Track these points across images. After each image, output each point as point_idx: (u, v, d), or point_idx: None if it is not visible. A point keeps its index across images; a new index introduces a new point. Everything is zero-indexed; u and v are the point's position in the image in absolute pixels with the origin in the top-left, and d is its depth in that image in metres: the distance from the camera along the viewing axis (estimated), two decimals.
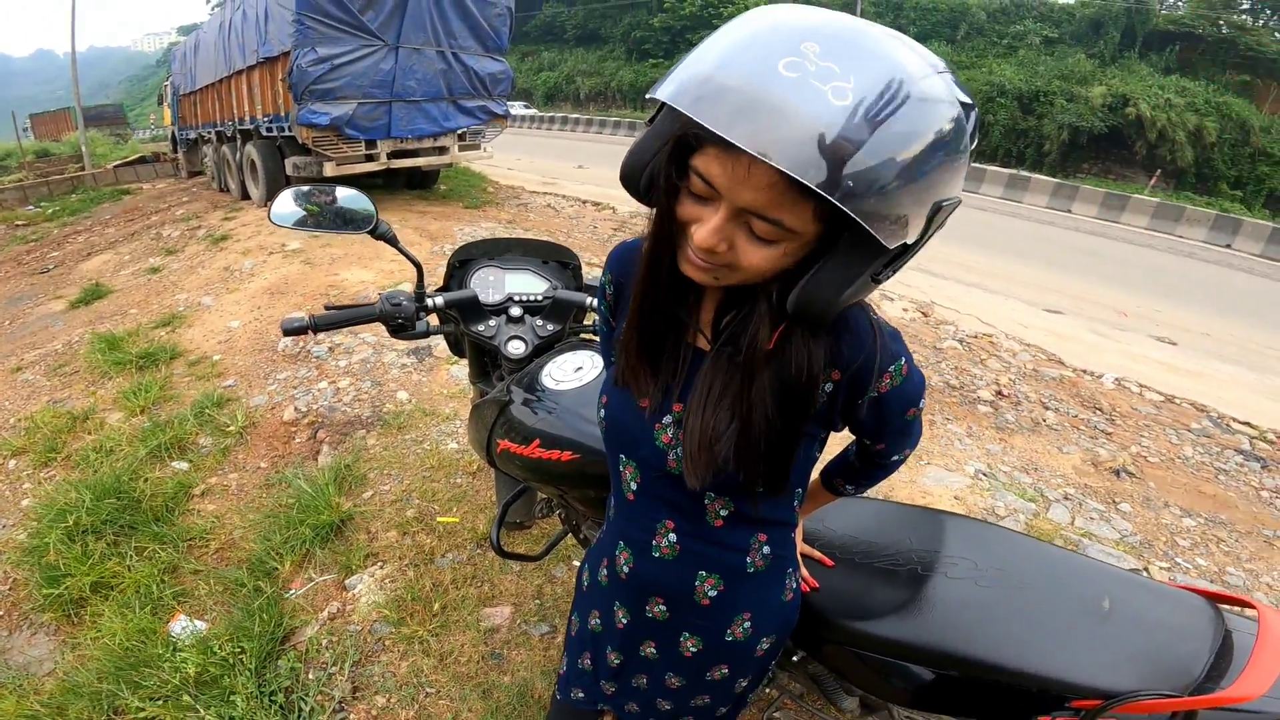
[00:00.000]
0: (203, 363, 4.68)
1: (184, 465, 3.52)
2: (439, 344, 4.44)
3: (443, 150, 9.76)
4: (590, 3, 40.91)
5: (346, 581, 2.69)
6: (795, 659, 1.39)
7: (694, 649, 1.07)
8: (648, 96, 0.72)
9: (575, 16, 41.49)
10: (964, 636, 1.13)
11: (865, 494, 1.24)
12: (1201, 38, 26.88)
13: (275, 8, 8.18)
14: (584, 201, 11.30)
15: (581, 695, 1.26)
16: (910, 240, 0.69)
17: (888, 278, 0.75)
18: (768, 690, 2.19)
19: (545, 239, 2.05)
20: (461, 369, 4.16)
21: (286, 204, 1.70)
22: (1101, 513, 3.30)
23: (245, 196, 10.60)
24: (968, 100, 0.68)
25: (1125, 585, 1.17)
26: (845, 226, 0.68)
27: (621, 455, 1.03)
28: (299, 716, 2.16)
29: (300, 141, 8.45)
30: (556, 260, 2.03)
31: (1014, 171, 18.80)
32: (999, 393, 4.49)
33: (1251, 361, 6.29)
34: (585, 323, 1.94)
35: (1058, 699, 1.05)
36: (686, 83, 0.66)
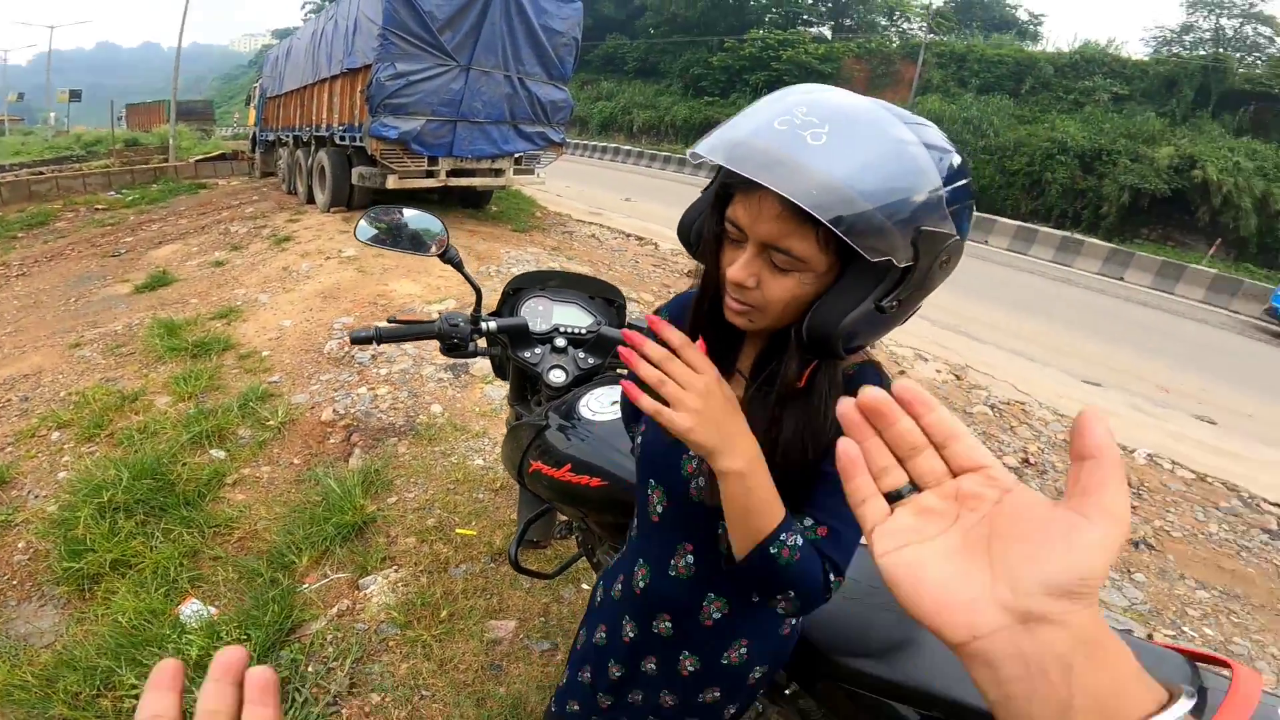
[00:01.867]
0: (252, 357, 4.81)
1: (221, 454, 3.60)
2: (476, 363, 4.50)
3: (499, 173, 9.91)
4: (652, 37, 41.54)
5: (360, 581, 2.72)
6: (787, 692, 1.40)
7: (691, 668, 1.12)
8: (689, 153, 0.83)
9: (636, 50, 42.01)
10: (952, 682, 1.14)
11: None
12: (1278, 99, 25.06)
13: (364, 21, 8.45)
14: (628, 235, 11.34)
15: (577, 709, 1.29)
16: (898, 262, 0.74)
17: (894, 310, 0.80)
18: None
19: (594, 276, 2.11)
20: (496, 389, 4.21)
21: (368, 222, 1.83)
22: (1115, 581, 3.27)
23: (310, 201, 10.87)
24: (943, 146, 0.77)
25: None
26: (852, 259, 0.76)
27: (651, 480, 1.09)
28: (292, 707, 2.18)
29: (369, 153, 8.65)
30: (603, 297, 2.06)
31: (1066, 234, 18.00)
32: (1025, 460, 4.42)
33: None
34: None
35: None
36: (715, 141, 0.78)
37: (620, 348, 0.81)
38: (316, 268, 6.73)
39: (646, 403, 0.78)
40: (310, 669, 2.33)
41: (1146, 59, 29.16)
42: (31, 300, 7.00)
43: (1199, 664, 1.09)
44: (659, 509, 1.09)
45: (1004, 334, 8.37)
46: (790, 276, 0.81)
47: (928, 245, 0.75)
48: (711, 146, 0.77)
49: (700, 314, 0.94)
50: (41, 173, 15.85)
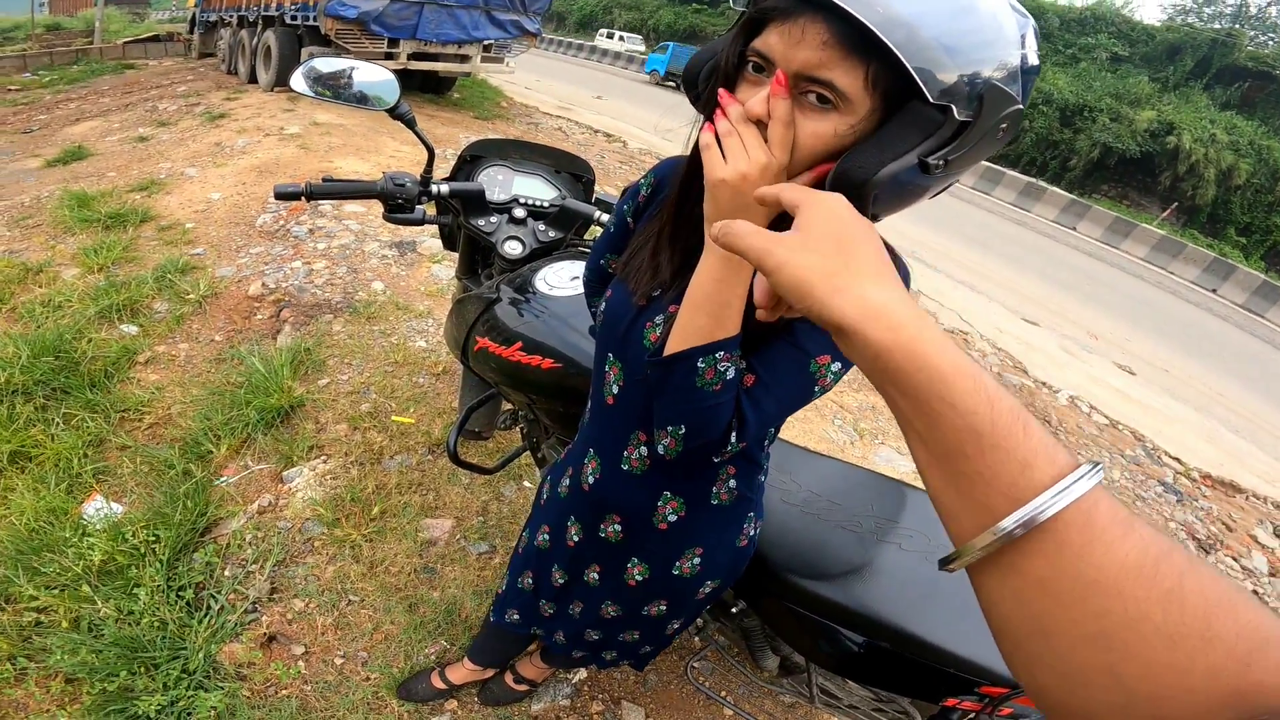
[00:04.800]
0: (174, 229, 4.21)
1: (133, 329, 3.11)
2: (425, 241, 4.02)
3: (465, 59, 9.07)
4: None
5: (284, 474, 2.34)
6: (734, 610, 1.34)
7: (640, 577, 1.03)
8: None
9: None
10: (903, 610, 1.12)
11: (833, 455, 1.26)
12: (1275, 79, 24.68)
13: None
14: (596, 131, 10.69)
15: (517, 617, 1.22)
16: (958, 112, 0.63)
17: (938, 170, 0.66)
18: (695, 639, 1.99)
19: (563, 149, 1.90)
20: (445, 268, 3.76)
21: (309, 72, 1.57)
22: None
23: (253, 80, 9.86)
24: (1024, 11, 0.67)
25: None
26: (898, 107, 0.66)
27: (610, 354, 0.95)
28: (206, 615, 1.83)
29: (323, 32, 7.83)
30: (570, 171, 1.88)
31: (1031, 180, 17.86)
32: None
33: (1200, 403, 6.20)
34: (586, 238, 1.83)
35: (969, 683, 1.05)
36: None
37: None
38: (254, 144, 5.97)
39: (705, 136, 0.72)
40: (227, 573, 1.98)
41: (1157, 24, 28.07)
42: None
43: None
44: (615, 389, 0.95)
45: (955, 265, 8.24)
46: (826, 118, 0.68)
47: (993, 102, 0.64)
48: None
49: (699, 170, 0.76)
50: None
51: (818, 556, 1.21)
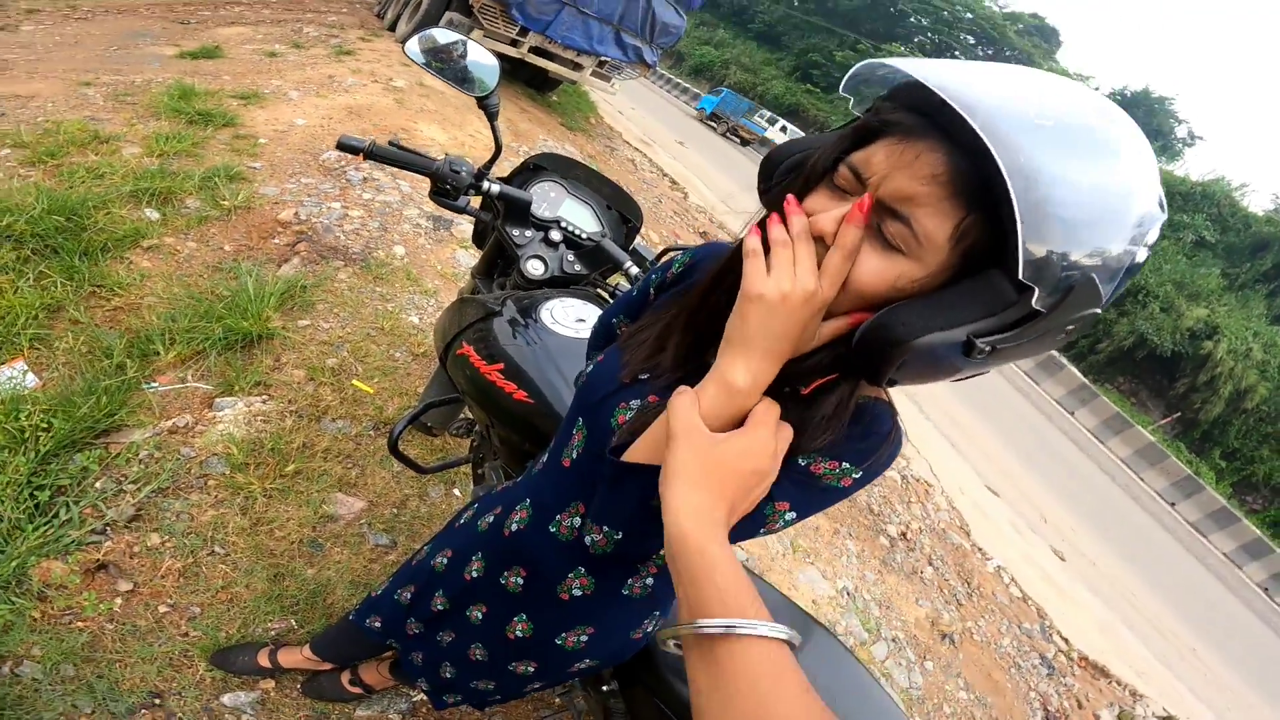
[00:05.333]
0: (247, 139, 4.21)
1: (155, 215, 3.04)
2: (461, 224, 3.91)
3: (579, 68, 9.18)
4: (792, 9, 39.11)
5: (217, 400, 2.18)
6: (605, 688, 1.28)
7: (520, 634, 0.96)
8: (859, 65, 0.68)
9: (769, 12, 39.81)
10: None
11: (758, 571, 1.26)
12: None
13: None
14: (665, 174, 10.69)
15: (379, 625, 1.16)
16: (1038, 299, 0.54)
17: (981, 356, 0.57)
18: (555, 698, 1.83)
19: (621, 187, 1.84)
20: (468, 255, 3.63)
21: (425, 40, 1.57)
22: (910, 663, 3.29)
23: (392, 29, 10.16)
24: (1157, 215, 0.57)
25: None
26: (970, 273, 0.58)
27: (580, 418, 0.89)
28: (49, 521, 1.65)
29: (469, 2, 8.04)
30: (620, 210, 1.83)
31: (1054, 353, 17.70)
32: (904, 534, 4.47)
33: (1111, 598, 6.51)
34: (609, 281, 1.79)
35: None
36: (920, 67, 0.57)
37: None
38: (360, 86, 6.07)
39: (752, 240, 0.63)
40: (98, 485, 1.80)
41: (1260, 213, 26.92)
42: (74, 40, 6.44)
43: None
44: (575, 453, 0.89)
45: (947, 419, 8.30)
46: (891, 261, 0.59)
47: (1079, 298, 0.55)
48: (928, 68, 0.56)
49: (730, 266, 0.71)
50: None
51: None
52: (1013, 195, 0.50)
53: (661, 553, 0.81)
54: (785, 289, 0.60)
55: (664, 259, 1.03)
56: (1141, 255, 0.56)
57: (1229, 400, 21.02)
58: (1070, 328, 0.58)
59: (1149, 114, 37.51)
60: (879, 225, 0.60)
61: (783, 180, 0.69)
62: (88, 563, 1.61)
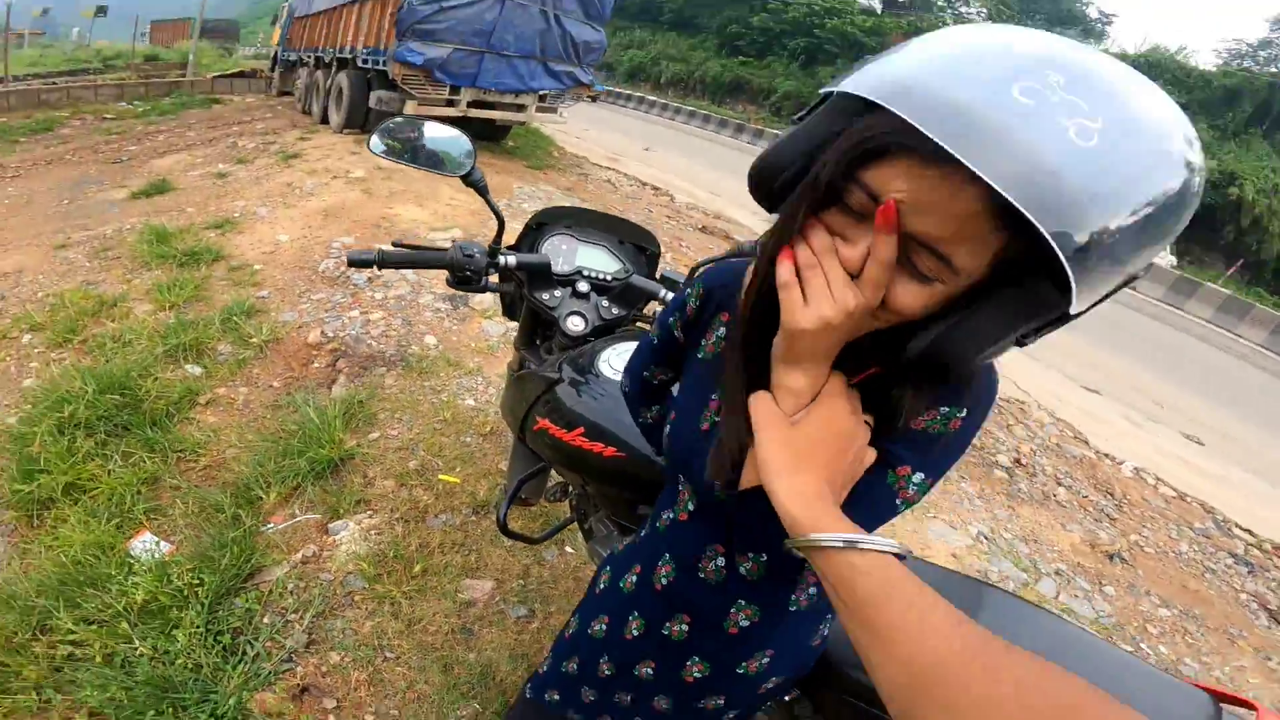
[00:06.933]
0: (243, 269, 4.39)
1: (198, 370, 3.22)
2: (476, 296, 4.10)
3: (521, 108, 9.37)
4: None
5: (330, 525, 2.38)
6: (786, 699, 1.27)
7: (699, 674, 0.96)
8: (829, 90, 0.61)
9: (675, 0, 40.24)
10: None
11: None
12: None
13: None
14: (644, 184, 10.82)
15: (557, 698, 1.15)
16: (1084, 307, 0.56)
17: (1031, 343, 0.62)
18: None
19: (628, 219, 1.85)
20: (495, 324, 3.83)
21: (384, 133, 1.55)
22: (1086, 592, 3.17)
23: (324, 122, 10.37)
24: (1203, 168, 0.54)
25: (1134, 672, 1.14)
26: (1013, 279, 0.57)
27: (681, 476, 0.91)
28: (241, 660, 1.86)
29: (390, 77, 8.20)
30: (634, 243, 1.82)
31: None
32: (1018, 461, 4.28)
33: (1272, 475, 5.87)
34: (648, 314, 1.80)
35: None
36: (896, 83, 0.55)
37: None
38: (321, 186, 6.25)
39: (785, 271, 0.63)
40: (266, 620, 2.00)
41: (1213, 69, 27.63)
42: (24, 200, 6.52)
43: (1224, 704, 1.06)
44: (689, 507, 0.91)
45: None
46: (927, 286, 0.59)
47: (1115, 293, 0.57)
48: (897, 92, 0.54)
49: (760, 295, 0.69)
50: (54, 82, 15.11)
51: None
52: (1060, 256, 0.50)
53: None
54: (826, 314, 0.61)
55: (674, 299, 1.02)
56: (1197, 183, 0.53)
57: None
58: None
59: (1055, 3, 38.43)
60: (909, 256, 0.58)
61: (786, 193, 0.65)
62: (292, 688, 1.81)
